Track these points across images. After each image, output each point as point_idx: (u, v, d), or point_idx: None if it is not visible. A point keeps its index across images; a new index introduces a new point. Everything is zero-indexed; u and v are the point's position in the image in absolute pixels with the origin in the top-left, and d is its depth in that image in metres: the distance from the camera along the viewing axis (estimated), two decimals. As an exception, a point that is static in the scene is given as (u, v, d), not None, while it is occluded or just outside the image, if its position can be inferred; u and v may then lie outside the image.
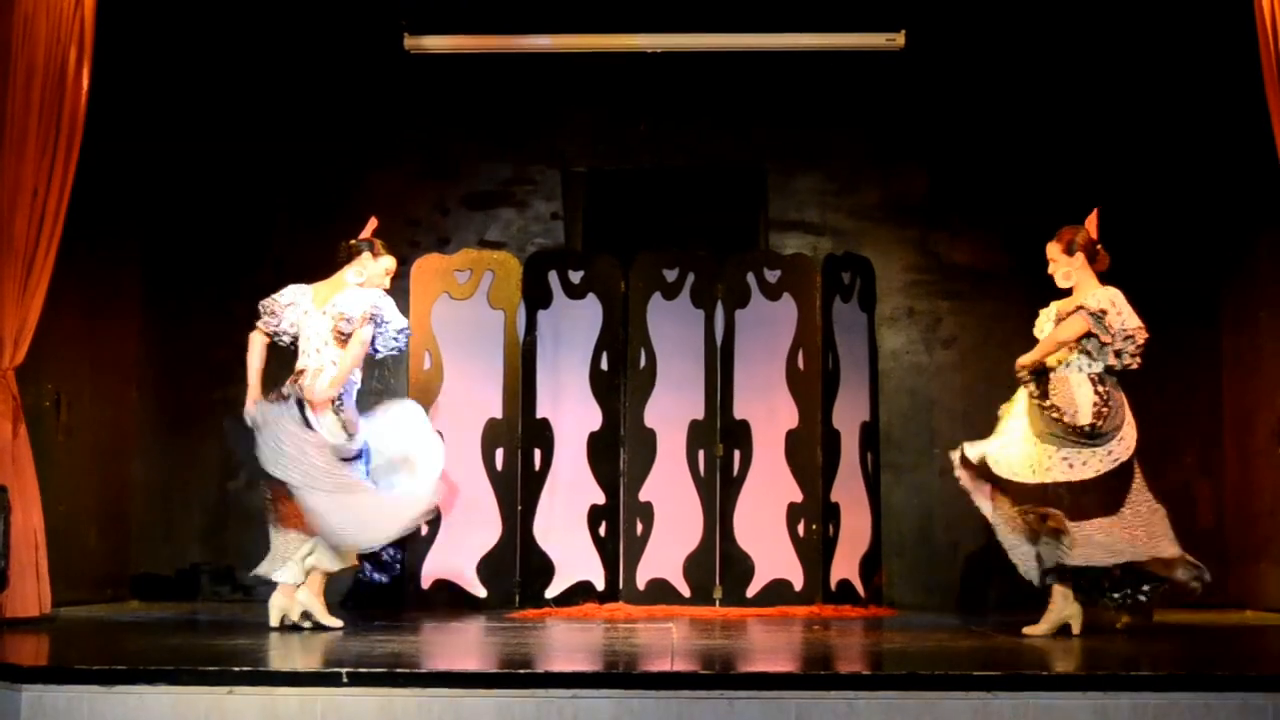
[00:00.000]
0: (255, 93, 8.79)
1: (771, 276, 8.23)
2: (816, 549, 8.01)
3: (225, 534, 8.70)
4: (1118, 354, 6.34)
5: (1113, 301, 6.38)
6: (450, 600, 8.05)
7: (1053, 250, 6.70)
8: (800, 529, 8.05)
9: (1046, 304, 8.72)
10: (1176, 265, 8.61)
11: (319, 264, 8.79)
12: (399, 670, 4.59)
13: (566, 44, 8.54)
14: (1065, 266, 6.64)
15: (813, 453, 8.10)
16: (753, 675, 4.64)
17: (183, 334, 8.77)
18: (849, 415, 8.30)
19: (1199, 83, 8.42)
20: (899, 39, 8.40)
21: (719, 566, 8.07)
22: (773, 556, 8.03)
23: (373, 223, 7.03)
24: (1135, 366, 6.35)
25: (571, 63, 8.66)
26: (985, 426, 8.65)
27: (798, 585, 7.99)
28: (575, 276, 8.32)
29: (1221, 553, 8.45)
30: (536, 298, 8.28)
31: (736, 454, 8.12)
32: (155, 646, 5.62)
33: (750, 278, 8.24)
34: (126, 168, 8.38)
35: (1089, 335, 6.37)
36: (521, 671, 4.65)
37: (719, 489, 8.11)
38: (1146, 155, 8.63)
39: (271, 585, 6.51)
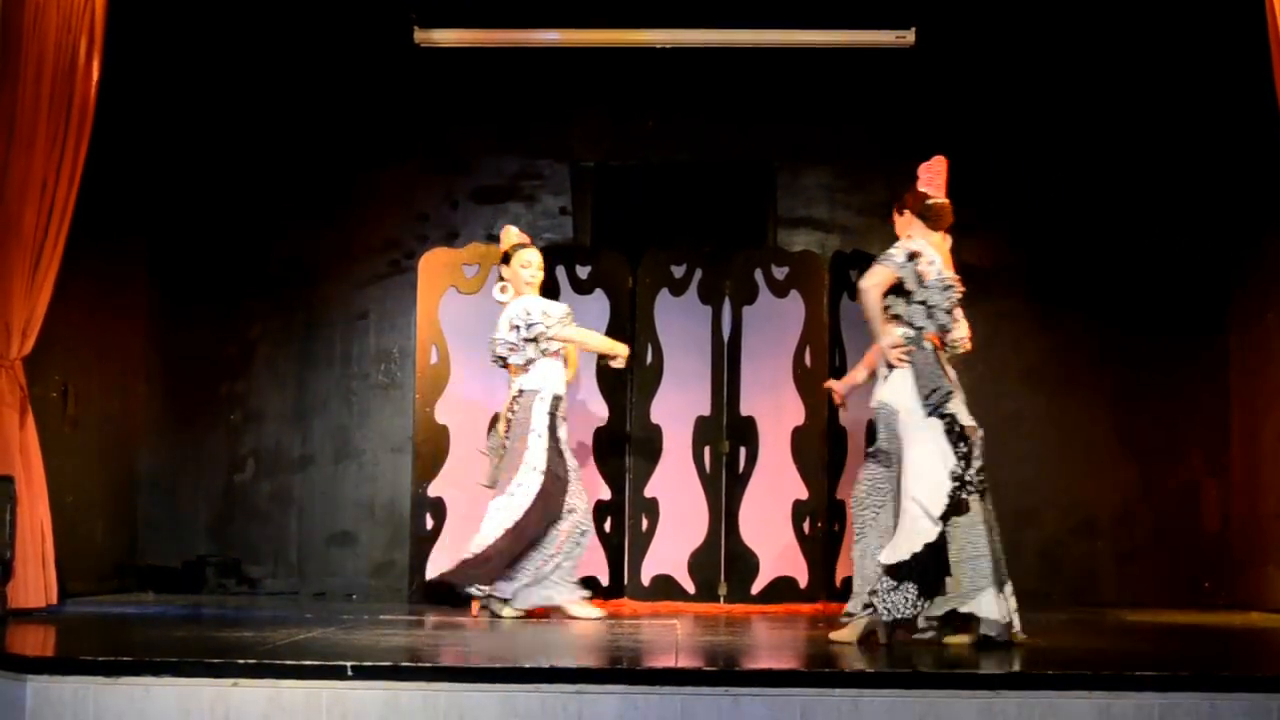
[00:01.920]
0: (264, 85, 8.80)
1: (779, 273, 8.22)
2: (822, 546, 8.01)
3: (231, 527, 8.71)
4: (930, 310, 5.68)
5: (922, 245, 5.70)
6: (455, 595, 8.04)
7: (894, 214, 5.99)
8: (806, 526, 8.04)
9: (1053, 302, 8.77)
10: (1185, 267, 8.60)
11: (328, 257, 8.86)
12: (404, 664, 4.59)
13: (575, 39, 8.54)
14: (899, 229, 5.88)
15: (819, 450, 8.09)
16: (757, 672, 4.64)
17: (190, 326, 8.78)
18: (856, 413, 8.26)
19: (1209, 83, 8.40)
20: (909, 36, 8.40)
21: (724, 563, 8.06)
22: (778, 553, 8.03)
23: (504, 232, 7.33)
24: (953, 331, 5.71)
25: (580, 58, 8.66)
26: (991, 426, 8.67)
27: (803, 582, 7.99)
28: (583, 272, 8.31)
29: (1227, 555, 8.45)
30: (544, 292, 8.24)
31: (743, 450, 8.12)
32: (161, 638, 5.63)
33: (758, 274, 8.23)
34: (136, 159, 8.39)
35: (901, 292, 5.68)
36: (526, 666, 4.65)
37: (725, 485, 8.10)
38: (1156, 156, 8.62)
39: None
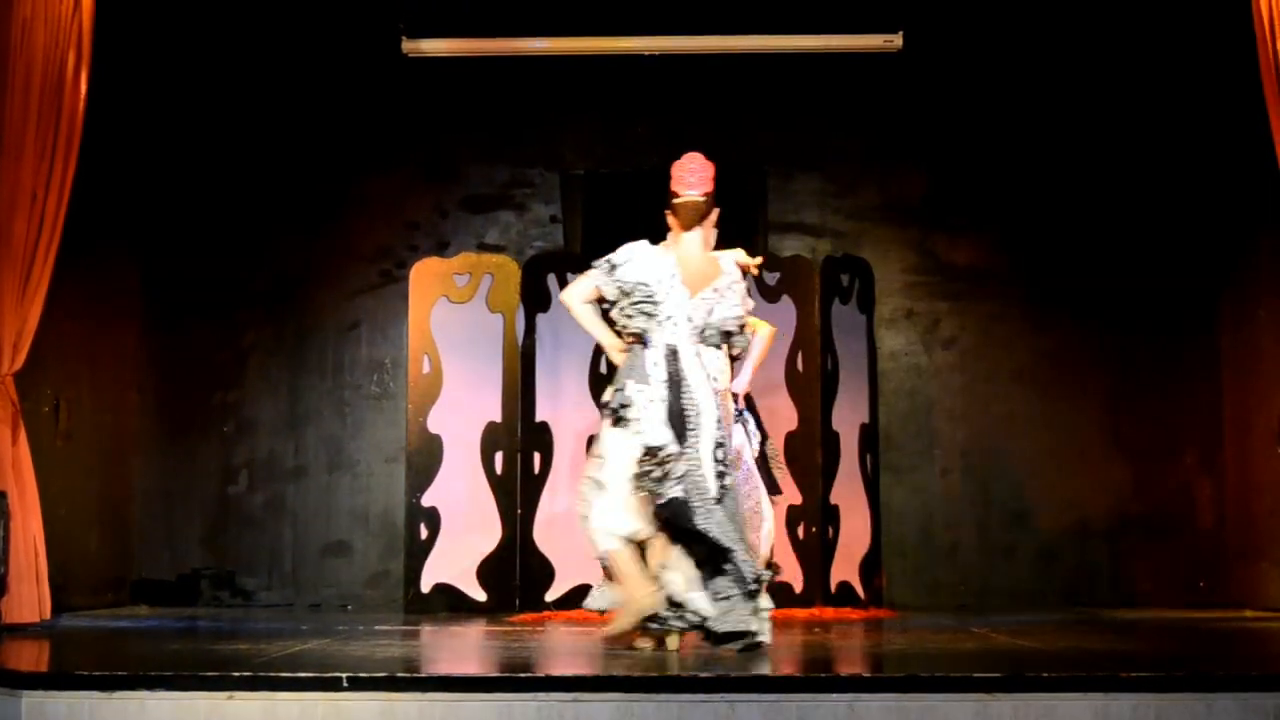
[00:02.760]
0: (254, 96, 8.80)
1: (770, 278, 8.22)
2: (816, 551, 8.01)
3: (226, 539, 8.70)
4: (630, 315, 5.51)
5: (629, 251, 5.60)
6: (450, 604, 8.05)
7: None
8: (800, 531, 8.04)
9: (1045, 303, 8.80)
10: (1176, 266, 8.62)
11: (319, 267, 8.85)
12: (399, 674, 4.59)
13: (564, 47, 8.54)
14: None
15: (812, 454, 8.09)
16: (753, 678, 4.63)
17: (182, 338, 8.77)
18: (848, 416, 8.29)
19: (1197, 84, 8.42)
20: (897, 40, 8.41)
21: (719, 569, 8.05)
22: (775, 558, 8.01)
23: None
24: (638, 328, 5.48)
25: (569, 65, 8.66)
26: (985, 427, 8.71)
27: (798, 587, 7.98)
28: (574, 279, 8.30)
29: (1222, 553, 8.47)
30: (535, 301, 8.27)
31: (736, 456, 8.11)
32: (156, 652, 5.62)
33: (749, 280, 8.22)
34: (126, 171, 8.38)
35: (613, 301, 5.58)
36: (522, 675, 4.65)
37: (719, 491, 8.09)
38: (1145, 157, 8.64)
39: None
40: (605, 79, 8.73)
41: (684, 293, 5.55)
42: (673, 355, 5.48)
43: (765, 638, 5.38)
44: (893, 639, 6.31)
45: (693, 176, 5.78)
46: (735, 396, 6.79)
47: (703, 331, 5.58)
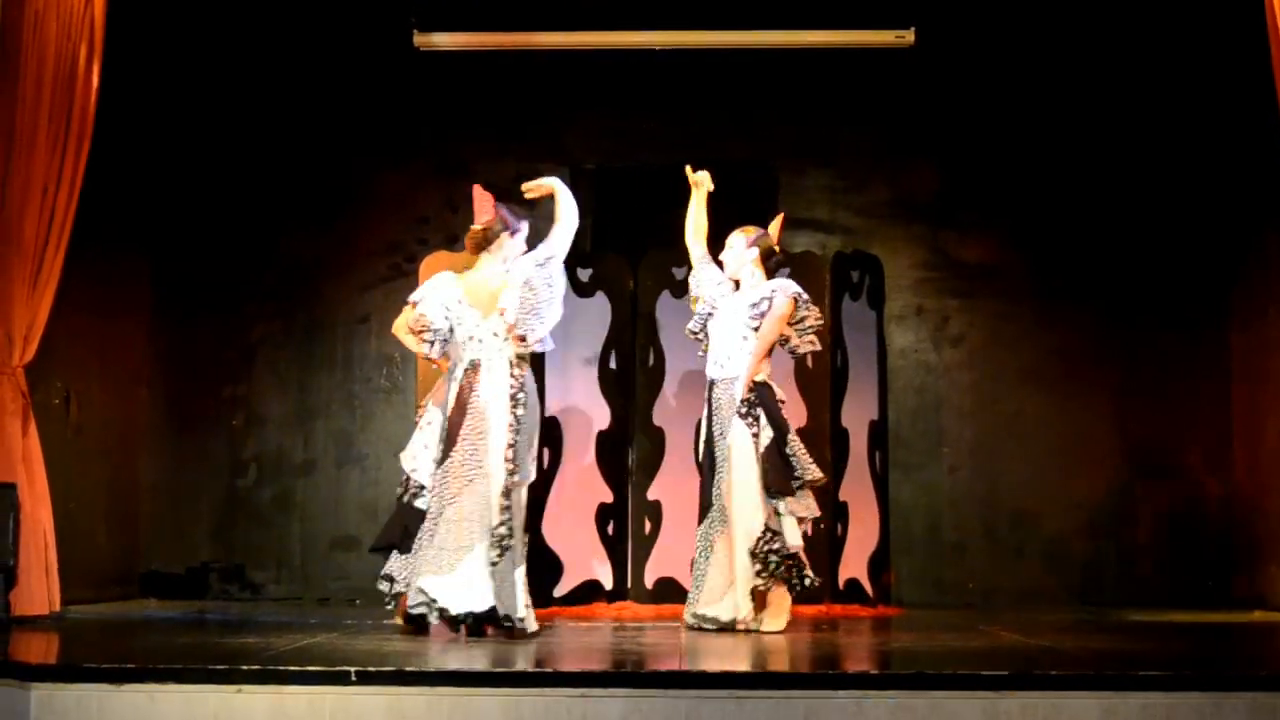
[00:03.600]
0: (264, 90, 8.81)
1: (780, 273, 8.20)
2: (825, 548, 7.99)
3: (234, 532, 8.72)
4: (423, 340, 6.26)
5: (425, 288, 6.27)
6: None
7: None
8: (809, 528, 8.02)
9: (1053, 300, 8.78)
10: (1186, 264, 8.61)
11: (328, 260, 8.87)
12: (408, 669, 4.60)
13: (575, 41, 8.54)
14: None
15: (821, 451, 8.05)
16: (761, 675, 4.64)
17: (192, 332, 8.79)
18: (857, 413, 8.28)
19: (1208, 80, 8.40)
20: (909, 36, 8.39)
21: (727, 565, 8.04)
22: (782, 555, 8.01)
23: None
24: (432, 354, 6.21)
25: (580, 60, 8.66)
26: (993, 425, 8.70)
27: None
28: (584, 274, 8.30)
29: (1231, 553, 8.45)
30: (545, 296, 8.26)
31: (745, 452, 8.09)
32: (164, 645, 5.64)
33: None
34: (136, 165, 8.39)
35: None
36: (530, 670, 4.66)
37: (727, 487, 8.08)
38: (1155, 154, 8.62)
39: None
40: (615, 74, 8.73)
41: (475, 314, 6.11)
42: (473, 369, 6.07)
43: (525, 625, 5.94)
44: (900, 636, 6.32)
45: (477, 207, 6.30)
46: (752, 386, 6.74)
47: (522, 340, 6.12)
